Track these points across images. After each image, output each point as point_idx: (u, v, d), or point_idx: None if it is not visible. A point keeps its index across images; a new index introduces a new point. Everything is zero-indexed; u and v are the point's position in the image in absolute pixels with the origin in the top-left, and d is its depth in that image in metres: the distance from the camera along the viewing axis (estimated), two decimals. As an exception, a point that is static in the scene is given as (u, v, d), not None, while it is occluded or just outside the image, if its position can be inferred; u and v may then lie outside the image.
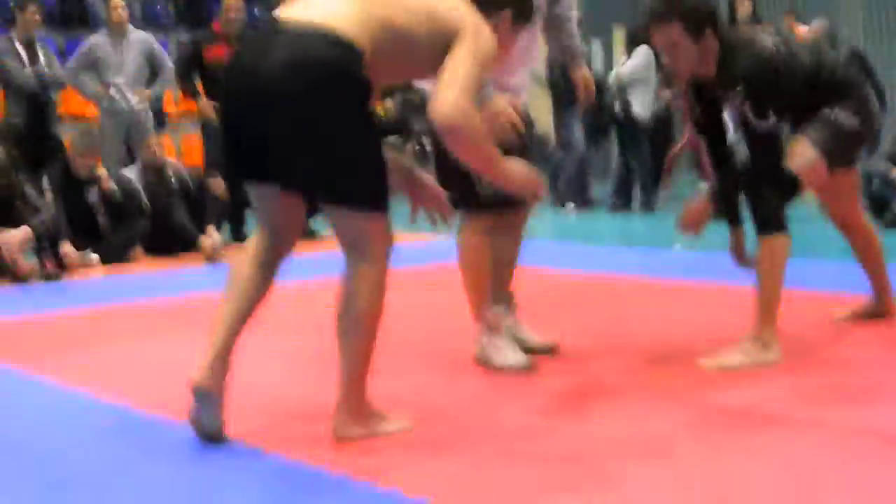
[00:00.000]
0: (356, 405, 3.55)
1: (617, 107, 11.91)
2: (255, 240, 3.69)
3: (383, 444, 3.50)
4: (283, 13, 3.48)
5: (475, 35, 3.48)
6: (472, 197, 4.44)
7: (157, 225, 9.04)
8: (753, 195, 4.44)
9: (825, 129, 4.48)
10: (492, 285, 4.64)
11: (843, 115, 4.51)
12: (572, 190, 12.51)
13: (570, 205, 12.38)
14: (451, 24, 3.49)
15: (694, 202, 4.64)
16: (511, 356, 4.54)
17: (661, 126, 12.66)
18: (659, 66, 12.23)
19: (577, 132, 12.29)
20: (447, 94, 3.37)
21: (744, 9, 10.60)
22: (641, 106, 11.84)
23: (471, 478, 3.17)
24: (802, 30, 11.70)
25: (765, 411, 3.72)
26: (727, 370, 4.30)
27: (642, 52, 11.92)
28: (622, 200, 12.22)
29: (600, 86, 12.21)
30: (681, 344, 4.87)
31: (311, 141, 3.34)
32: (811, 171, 4.45)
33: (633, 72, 11.85)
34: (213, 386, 3.50)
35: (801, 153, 4.45)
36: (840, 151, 4.54)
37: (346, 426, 3.54)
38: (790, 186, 4.44)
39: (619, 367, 4.47)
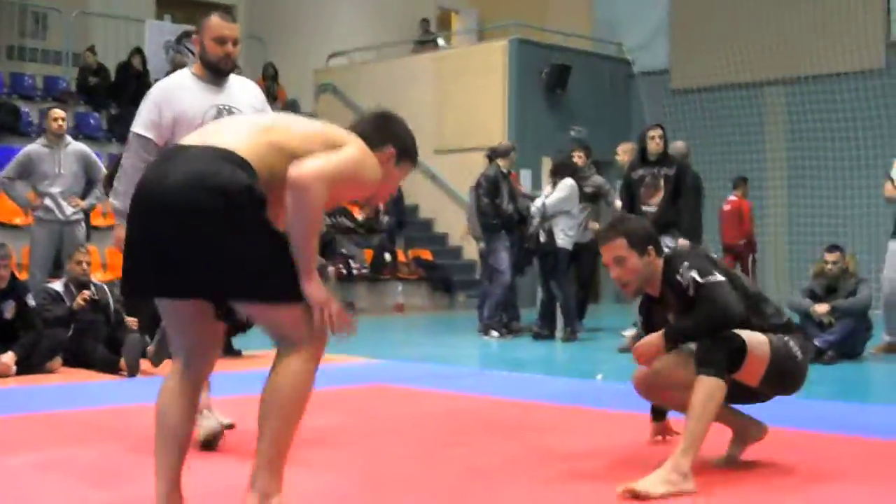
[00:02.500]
0: (268, 489, 3.51)
1: (541, 236, 12.03)
2: (172, 373, 3.72)
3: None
4: (183, 140, 3.72)
5: (358, 150, 3.73)
6: None
7: (79, 340, 8.92)
8: (713, 339, 4.61)
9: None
10: None
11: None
12: (497, 317, 12.57)
13: (494, 333, 12.41)
14: (340, 143, 3.69)
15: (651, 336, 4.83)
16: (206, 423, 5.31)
17: (585, 256, 12.80)
18: (584, 197, 12.43)
19: (504, 260, 12.40)
20: (314, 162, 3.55)
21: (654, 145, 10.79)
22: (564, 236, 11.97)
23: None
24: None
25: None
26: (647, 497, 4.34)
27: (567, 183, 12.10)
28: (546, 329, 12.28)
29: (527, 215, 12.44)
30: (592, 470, 4.89)
31: (216, 248, 3.44)
32: None
33: (557, 203, 11.99)
34: None
35: None
36: None
37: None
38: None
39: (526, 489, 4.46)
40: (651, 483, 4.40)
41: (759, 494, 4.47)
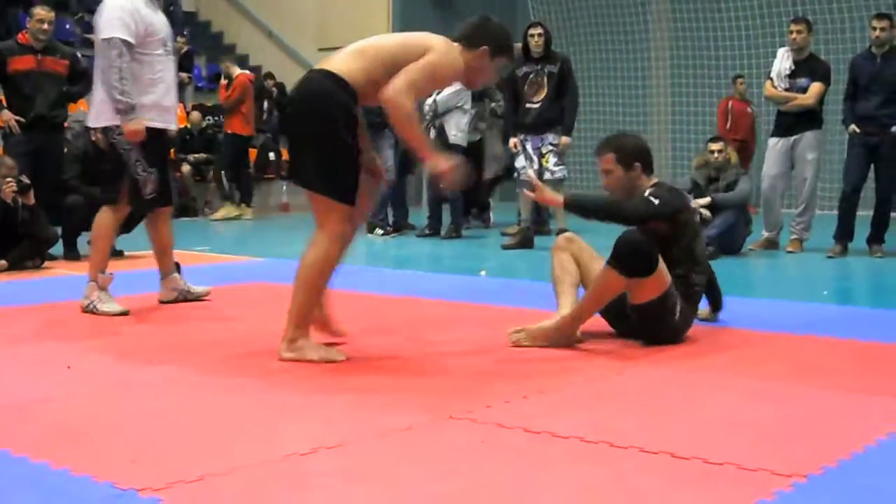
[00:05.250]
0: (293, 336, 4.91)
1: (432, 133, 12.00)
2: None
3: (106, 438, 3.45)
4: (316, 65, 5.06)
5: (438, 53, 4.91)
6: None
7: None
8: (633, 243, 5.12)
9: None
10: (161, 261, 6.96)
11: None
12: (382, 215, 12.53)
13: (379, 231, 12.39)
14: (426, 50, 4.89)
15: None
16: (113, 306, 6.41)
17: (473, 155, 12.80)
18: (474, 95, 12.39)
19: (389, 158, 12.34)
20: (395, 81, 4.76)
21: (534, 43, 10.82)
22: (457, 131, 11.93)
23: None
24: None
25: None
26: (525, 342, 5.27)
27: (456, 79, 12.03)
28: (433, 227, 12.29)
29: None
30: (471, 361, 4.95)
31: (302, 143, 4.92)
32: None
33: (447, 98, 11.95)
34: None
35: None
36: None
37: (283, 351, 4.92)
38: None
39: (405, 381, 4.49)
40: (536, 334, 5.30)
41: (639, 379, 4.54)
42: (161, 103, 6.54)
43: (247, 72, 15.83)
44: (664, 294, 5.19)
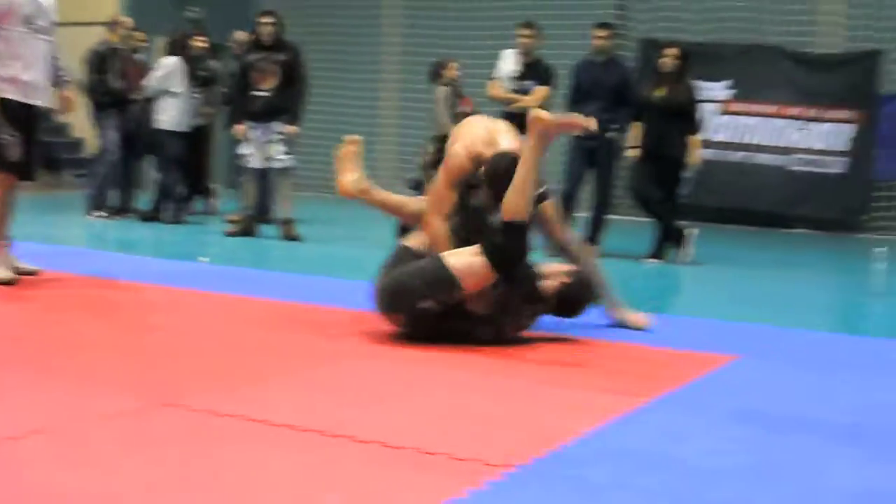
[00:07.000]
0: None
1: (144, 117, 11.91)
2: None
3: None
4: None
5: None
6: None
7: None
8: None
9: None
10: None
11: None
12: (103, 197, 12.23)
13: (100, 213, 12.09)
14: None
15: None
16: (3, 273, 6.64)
17: (199, 139, 12.66)
18: (198, 81, 12.24)
19: (112, 139, 12.08)
20: None
21: (266, 31, 10.77)
22: (166, 116, 11.82)
23: None
24: None
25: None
26: None
27: (165, 62, 12.02)
28: (156, 211, 12.09)
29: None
30: (182, 346, 4.93)
31: None
32: None
33: (154, 82, 11.91)
34: None
35: None
36: None
37: None
38: None
39: (115, 363, 4.42)
40: None
41: (360, 370, 4.57)
42: (19, 78, 6.70)
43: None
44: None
